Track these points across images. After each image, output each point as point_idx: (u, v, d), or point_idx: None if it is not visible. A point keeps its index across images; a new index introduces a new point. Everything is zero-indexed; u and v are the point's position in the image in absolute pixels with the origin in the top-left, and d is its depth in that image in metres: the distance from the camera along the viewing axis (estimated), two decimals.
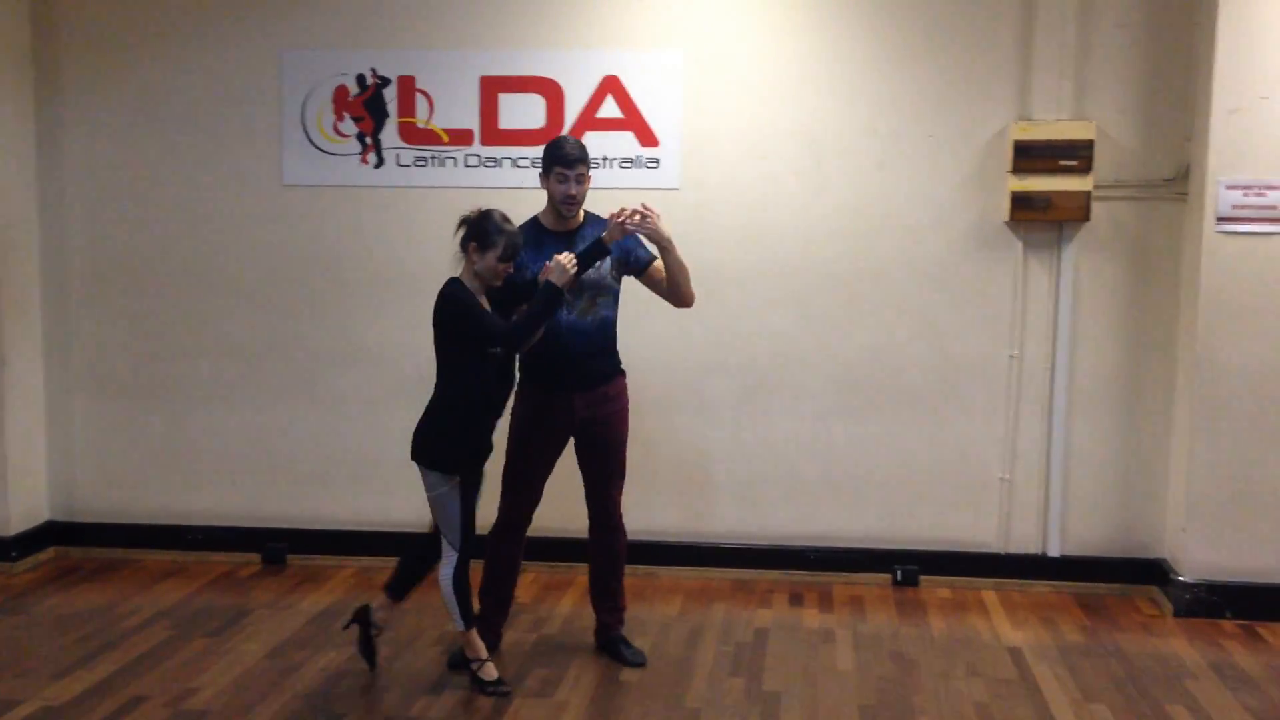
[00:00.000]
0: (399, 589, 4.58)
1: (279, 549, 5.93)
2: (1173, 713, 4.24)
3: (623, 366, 4.70)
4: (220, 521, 5.99)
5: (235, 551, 5.96)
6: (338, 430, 5.91)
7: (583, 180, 4.45)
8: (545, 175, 4.47)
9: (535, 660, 4.68)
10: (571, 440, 4.63)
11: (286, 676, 4.50)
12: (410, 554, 4.62)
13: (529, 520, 4.71)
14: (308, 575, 5.74)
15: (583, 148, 4.47)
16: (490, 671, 4.40)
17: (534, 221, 4.57)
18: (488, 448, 4.42)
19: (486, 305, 4.26)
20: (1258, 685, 4.49)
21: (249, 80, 5.77)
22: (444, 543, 4.37)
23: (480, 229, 4.23)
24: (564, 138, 4.58)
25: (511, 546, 4.70)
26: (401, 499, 5.88)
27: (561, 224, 4.52)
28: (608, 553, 4.76)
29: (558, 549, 5.66)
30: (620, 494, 4.73)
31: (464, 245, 4.28)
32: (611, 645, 4.73)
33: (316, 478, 5.95)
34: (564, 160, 4.40)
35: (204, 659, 4.67)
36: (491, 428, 4.42)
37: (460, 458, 4.31)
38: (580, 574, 5.72)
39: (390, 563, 5.80)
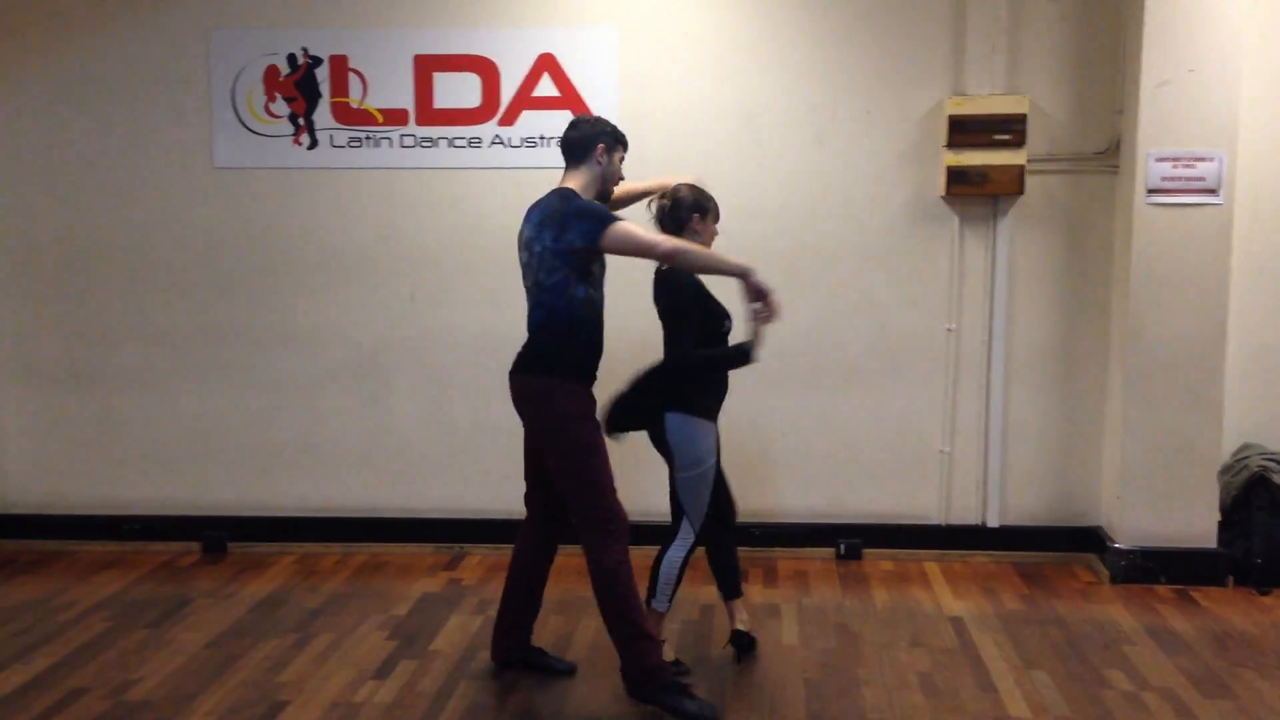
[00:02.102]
0: (732, 586, 4.50)
1: (219, 537, 5.85)
2: (1110, 677, 4.32)
3: None
4: (158, 510, 5.89)
5: (174, 541, 5.87)
6: (276, 416, 5.84)
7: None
8: (609, 150, 4.16)
9: (482, 642, 4.66)
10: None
11: (229, 665, 4.44)
12: (711, 550, 4.49)
13: None
14: (249, 563, 5.67)
15: None
16: (668, 652, 4.34)
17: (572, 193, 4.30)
18: None
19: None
20: (1191, 648, 4.59)
21: (178, 60, 5.66)
22: (684, 523, 4.26)
23: (694, 202, 4.23)
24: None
25: None
26: (342, 484, 5.84)
27: (605, 201, 4.33)
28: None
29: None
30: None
31: (684, 223, 4.22)
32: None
33: (256, 464, 5.87)
34: (626, 143, 4.25)
35: (144, 650, 4.60)
36: None
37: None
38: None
39: (332, 549, 5.80)
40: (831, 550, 5.71)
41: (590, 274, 4.06)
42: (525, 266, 4.14)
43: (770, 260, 5.61)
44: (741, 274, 3.90)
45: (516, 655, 4.41)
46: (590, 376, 4.17)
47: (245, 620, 4.93)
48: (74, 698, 4.15)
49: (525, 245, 4.12)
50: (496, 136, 5.60)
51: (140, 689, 4.23)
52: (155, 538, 5.88)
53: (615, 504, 4.09)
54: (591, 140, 4.14)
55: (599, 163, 4.14)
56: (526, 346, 4.17)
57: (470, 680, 4.30)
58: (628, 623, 3.98)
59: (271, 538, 5.86)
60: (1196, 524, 5.29)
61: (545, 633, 4.75)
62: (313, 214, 5.72)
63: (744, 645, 4.49)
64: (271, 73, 5.61)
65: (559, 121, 5.53)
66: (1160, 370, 5.24)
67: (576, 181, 4.14)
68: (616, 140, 4.21)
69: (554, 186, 4.15)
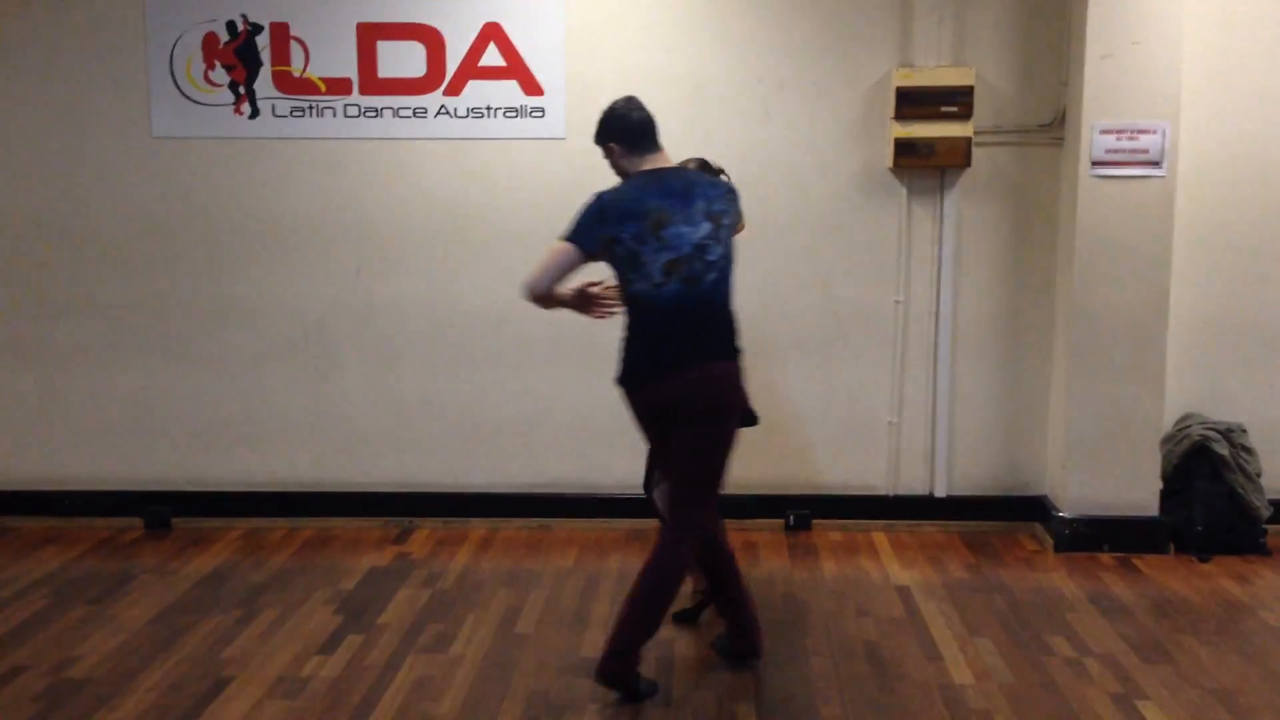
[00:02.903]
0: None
1: (162, 512, 5.77)
2: (1053, 643, 4.38)
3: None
4: (100, 486, 5.80)
5: (117, 517, 5.78)
6: (219, 389, 5.76)
7: None
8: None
9: (430, 615, 4.64)
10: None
11: (172, 642, 4.39)
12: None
13: None
14: (193, 539, 5.60)
15: None
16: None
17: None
18: None
19: None
20: (1132, 614, 4.67)
21: (113, 26, 5.53)
22: None
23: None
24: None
25: None
26: (288, 458, 5.78)
27: None
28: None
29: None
30: None
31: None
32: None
33: (199, 439, 5.79)
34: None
35: (85, 627, 4.53)
36: None
37: None
38: (479, 530, 5.72)
39: (278, 524, 5.74)
40: (780, 521, 5.73)
41: None
42: (706, 239, 3.80)
43: None
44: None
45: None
46: None
47: (189, 596, 4.87)
48: (12, 675, 4.08)
49: (706, 216, 3.81)
50: (442, 107, 5.53)
51: (81, 666, 4.17)
52: (97, 513, 5.79)
53: None
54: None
55: None
56: (719, 327, 3.88)
57: (418, 653, 4.28)
58: (650, 615, 3.85)
59: (216, 513, 5.79)
60: (1139, 493, 5.37)
61: (494, 603, 4.74)
62: (255, 185, 5.63)
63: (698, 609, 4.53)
64: (210, 40, 5.50)
65: (506, 92, 5.52)
66: (1104, 341, 5.29)
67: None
68: None
69: (652, 167, 3.91)
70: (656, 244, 3.78)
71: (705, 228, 3.82)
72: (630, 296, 3.87)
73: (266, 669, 4.15)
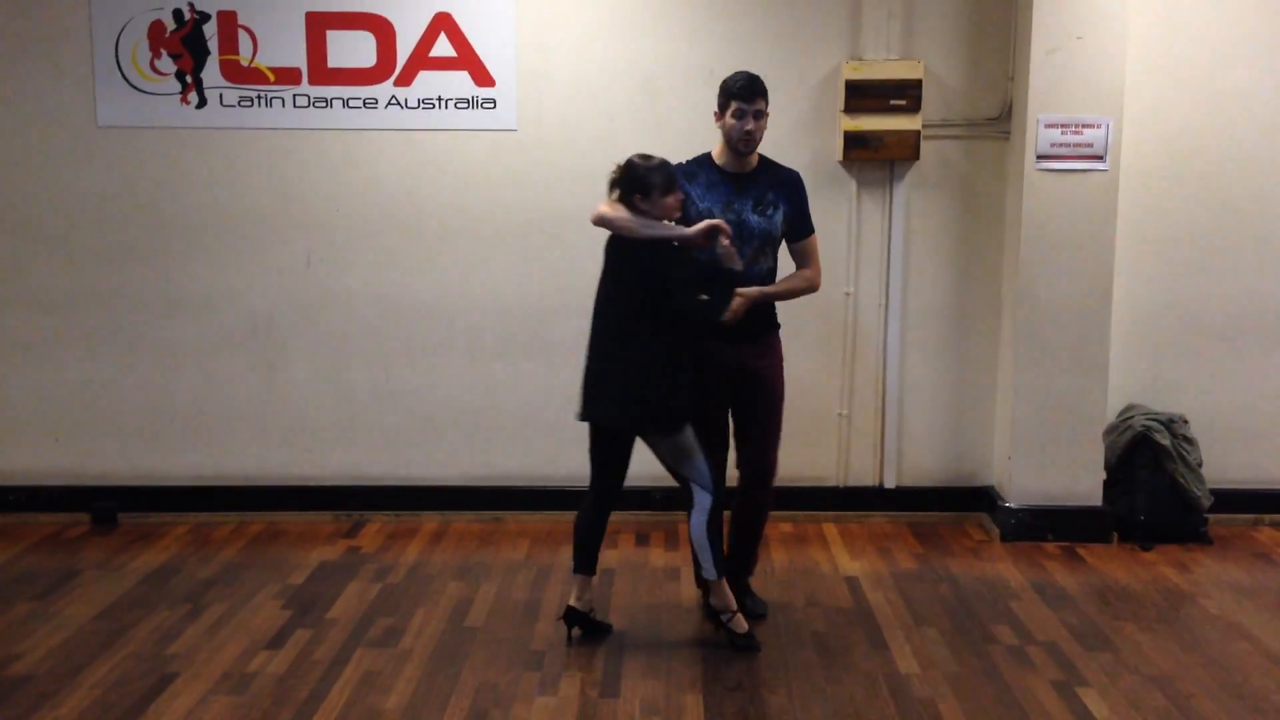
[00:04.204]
0: (590, 562, 4.35)
1: (109, 508, 5.70)
2: (997, 632, 4.44)
3: (779, 320, 4.52)
4: (45, 481, 5.73)
5: (62, 512, 5.71)
6: (166, 382, 5.70)
7: (761, 116, 4.22)
8: (721, 112, 4.23)
9: (379, 609, 4.62)
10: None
11: (117, 638, 4.35)
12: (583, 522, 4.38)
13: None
14: (140, 534, 5.55)
15: (760, 82, 4.24)
16: (741, 624, 4.29)
17: (707, 160, 4.34)
18: None
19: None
20: (1075, 602, 4.74)
21: (58, 13, 5.44)
22: (695, 489, 4.21)
23: (633, 179, 4.11)
24: (741, 72, 4.29)
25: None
26: (237, 452, 5.74)
27: (737, 164, 4.30)
28: (757, 508, 4.54)
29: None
30: (777, 449, 4.51)
31: (629, 201, 4.13)
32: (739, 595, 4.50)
33: (146, 432, 5.73)
34: (742, 94, 4.18)
35: (28, 623, 4.47)
36: None
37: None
38: (430, 523, 5.70)
39: (227, 518, 5.69)
40: (729, 512, 5.75)
41: None
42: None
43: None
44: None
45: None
46: None
47: (135, 592, 4.82)
48: None
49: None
50: (393, 97, 5.50)
51: (23, 664, 4.12)
52: (42, 509, 5.71)
53: None
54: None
55: (719, 128, 4.30)
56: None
57: (367, 648, 4.26)
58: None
59: (164, 507, 5.73)
60: (1083, 483, 5.45)
61: (445, 596, 4.73)
62: (203, 175, 5.57)
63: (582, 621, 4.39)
64: (157, 28, 5.43)
65: (457, 82, 5.50)
66: (1049, 333, 5.36)
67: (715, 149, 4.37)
68: (727, 98, 4.24)
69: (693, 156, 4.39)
70: None
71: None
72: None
73: (212, 665, 4.12)
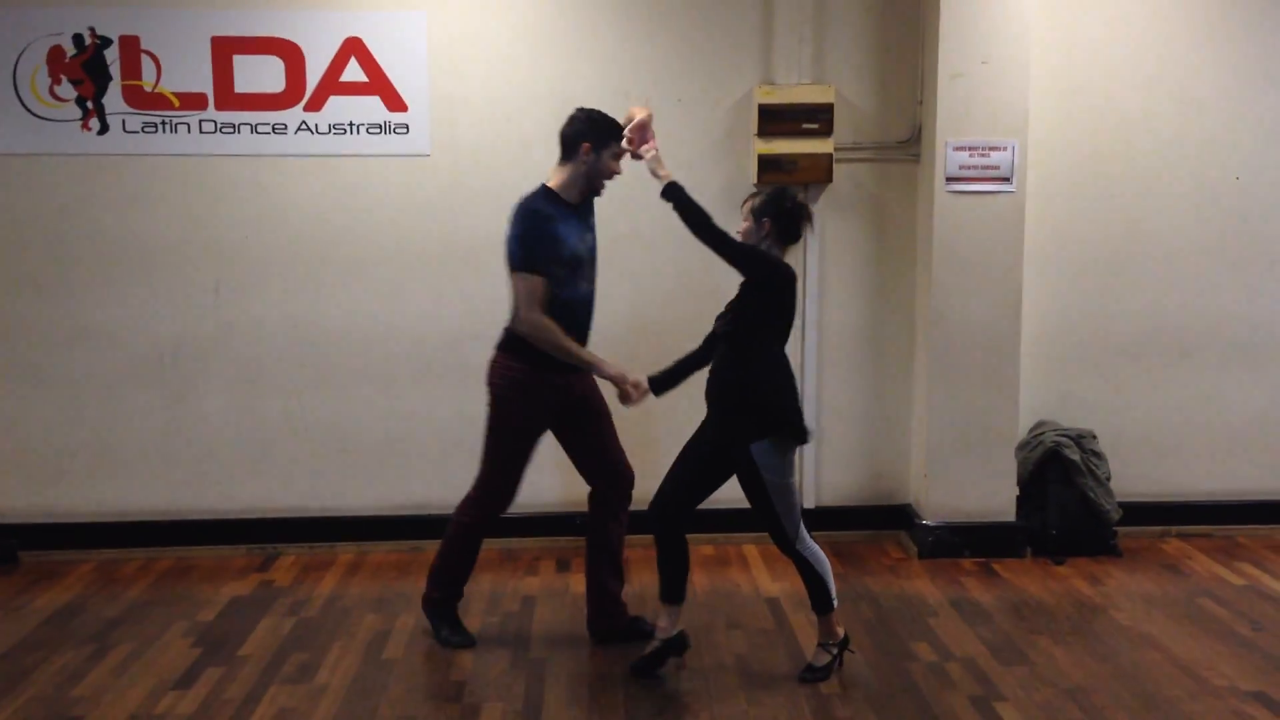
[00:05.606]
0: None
1: (9, 546, 5.51)
2: (916, 649, 4.47)
3: None
4: None
5: None
6: (69, 415, 5.53)
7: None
8: (597, 149, 4.23)
9: (293, 644, 4.52)
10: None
11: (19, 681, 4.19)
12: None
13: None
14: (42, 573, 5.36)
15: None
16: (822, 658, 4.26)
17: (553, 195, 4.28)
18: None
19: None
20: (991, 617, 4.79)
21: None
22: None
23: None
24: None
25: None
26: (144, 486, 5.58)
27: (580, 199, 4.31)
28: (619, 525, 4.59)
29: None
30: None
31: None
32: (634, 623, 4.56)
33: (49, 468, 5.55)
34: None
35: None
36: None
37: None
38: (347, 554, 5.60)
39: (134, 555, 5.53)
40: (649, 537, 5.72)
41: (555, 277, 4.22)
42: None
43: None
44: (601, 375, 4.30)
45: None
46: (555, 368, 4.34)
47: (37, 633, 4.66)
48: None
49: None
50: (303, 123, 5.42)
51: None
52: None
53: None
54: (577, 138, 4.21)
55: (584, 161, 4.23)
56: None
57: (281, 684, 4.16)
58: None
59: (68, 545, 5.55)
60: (997, 499, 5.53)
61: (361, 629, 4.64)
62: (106, 203, 5.43)
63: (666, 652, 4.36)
64: (56, 53, 5.29)
65: (369, 107, 5.44)
66: (960, 352, 5.44)
67: (558, 178, 4.28)
68: (607, 137, 4.23)
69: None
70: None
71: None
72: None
73: (119, 707, 3.99)
